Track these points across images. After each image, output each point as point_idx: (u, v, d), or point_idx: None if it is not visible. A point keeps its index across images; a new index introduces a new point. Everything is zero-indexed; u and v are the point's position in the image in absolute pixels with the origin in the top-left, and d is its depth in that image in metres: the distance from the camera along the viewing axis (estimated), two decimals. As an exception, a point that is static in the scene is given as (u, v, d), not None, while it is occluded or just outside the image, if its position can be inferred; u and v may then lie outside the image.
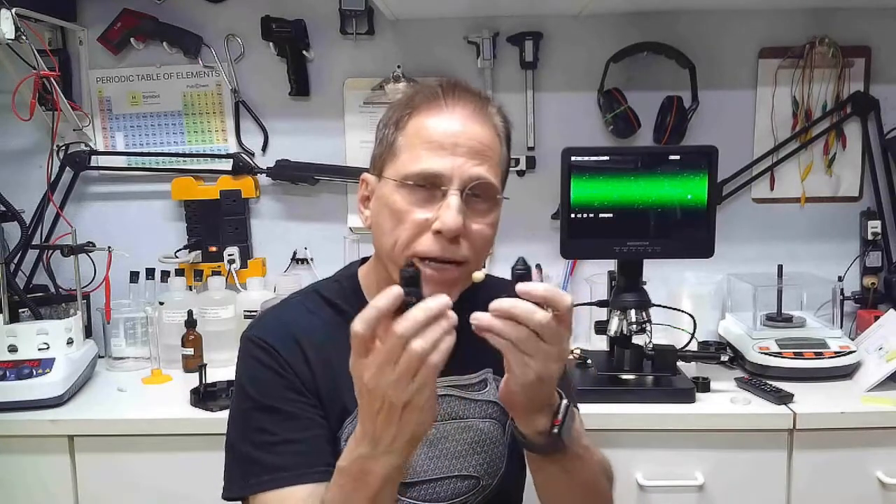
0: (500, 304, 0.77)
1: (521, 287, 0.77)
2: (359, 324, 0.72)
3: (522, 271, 0.80)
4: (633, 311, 1.56)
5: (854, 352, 1.64)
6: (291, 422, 0.93)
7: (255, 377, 0.96)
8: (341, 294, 1.03)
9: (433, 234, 0.91)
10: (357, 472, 0.79)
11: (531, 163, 1.98)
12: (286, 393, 0.94)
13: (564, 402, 0.87)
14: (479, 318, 0.77)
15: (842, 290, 1.83)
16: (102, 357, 1.85)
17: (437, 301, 0.72)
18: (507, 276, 1.74)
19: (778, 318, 1.76)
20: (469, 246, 0.92)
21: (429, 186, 0.91)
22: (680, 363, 1.64)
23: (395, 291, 0.72)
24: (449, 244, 0.91)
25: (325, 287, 1.06)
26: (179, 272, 1.93)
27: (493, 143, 0.96)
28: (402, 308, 0.73)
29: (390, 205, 0.93)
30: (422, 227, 0.91)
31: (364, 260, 1.08)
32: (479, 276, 0.92)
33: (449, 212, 0.89)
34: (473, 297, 0.97)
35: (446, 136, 0.92)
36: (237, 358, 1.00)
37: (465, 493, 1.01)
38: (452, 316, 0.73)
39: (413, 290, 0.74)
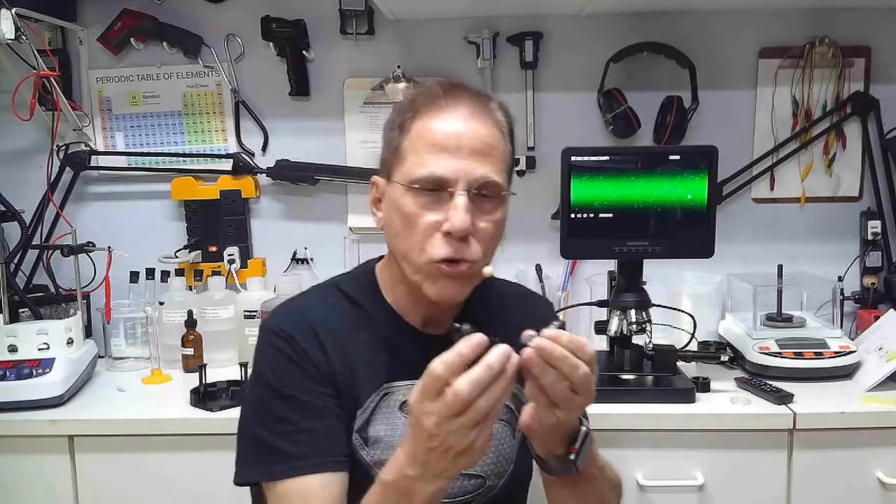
0: (549, 348, 0.77)
1: (547, 332, 0.78)
2: (440, 365, 0.74)
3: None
4: (633, 311, 1.56)
5: (854, 352, 1.64)
6: (309, 411, 0.95)
7: (274, 366, 0.98)
8: (359, 289, 1.06)
9: (443, 234, 0.93)
10: (403, 489, 0.81)
11: (531, 163, 1.97)
12: (305, 382, 0.96)
13: (584, 429, 0.88)
14: (528, 354, 0.78)
15: (842, 290, 1.82)
16: (102, 357, 1.85)
17: (498, 357, 0.74)
18: (507, 276, 1.74)
19: (778, 318, 1.76)
20: (478, 244, 0.94)
21: (436, 189, 0.93)
22: (680, 363, 1.64)
23: (478, 339, 0.75)
24: (459, 244, 0.93)
25: (343, 282, 1.08)
26: (179, 272, 1.93)
27: (496, 140, 0.97)
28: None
29: (401, 209, 0.95)
30: (432, 230, 0.93)
31: (382, 256, 1.10)
32: (488, 270, 0.96)
33: (457, 213, 0.92)
34: (483, 293, 1.03)
35: (449, 137, 0.94)
36: (256, 347, 1.02)
37: (470, 493, 1.02)
38: (512, 366, 0.75)
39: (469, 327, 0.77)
